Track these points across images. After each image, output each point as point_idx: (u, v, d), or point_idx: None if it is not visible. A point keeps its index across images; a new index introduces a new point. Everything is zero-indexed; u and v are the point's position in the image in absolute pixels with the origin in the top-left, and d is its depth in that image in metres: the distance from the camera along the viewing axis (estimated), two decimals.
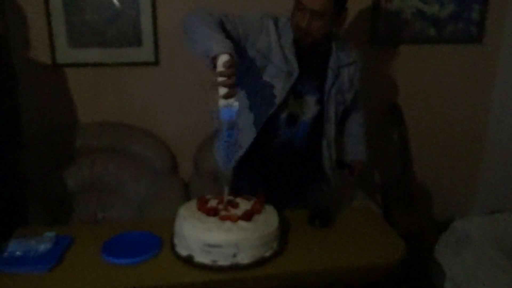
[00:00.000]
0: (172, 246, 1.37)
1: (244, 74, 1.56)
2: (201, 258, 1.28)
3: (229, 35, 1.44)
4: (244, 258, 1.28)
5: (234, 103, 1.28)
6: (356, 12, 2.47)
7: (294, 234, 1.46)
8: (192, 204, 1.41)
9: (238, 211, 1.36)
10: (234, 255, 1.27)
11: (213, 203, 1.40)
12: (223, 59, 1.28)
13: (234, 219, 1.31)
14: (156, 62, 2.33)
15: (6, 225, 1.52)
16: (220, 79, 1.27)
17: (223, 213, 1.35)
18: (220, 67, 1.28)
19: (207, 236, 1.27)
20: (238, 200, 1.43)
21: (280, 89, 1.58)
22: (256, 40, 1.56)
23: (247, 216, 1.33)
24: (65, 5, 2.19)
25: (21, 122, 1.62)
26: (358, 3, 2.45)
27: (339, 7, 1.53)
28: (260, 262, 1.29)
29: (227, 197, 1.40)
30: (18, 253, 1.30)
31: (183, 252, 1.32)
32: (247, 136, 1.64)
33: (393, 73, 2.63)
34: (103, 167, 2.28)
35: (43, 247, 1.32)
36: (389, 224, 2.45)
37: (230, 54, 1.29)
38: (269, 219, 1.36)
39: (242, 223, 1.31)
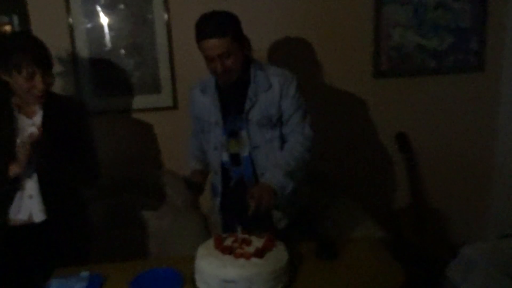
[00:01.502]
0: (193, 282, 1.51)
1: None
2: None
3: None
4: None
5: None
6: (359, 48, 2.62)
7: (303, 266, 1.58)
8: (210, 243, 1.55)
9: (251, 249, 1.49)
10: None
11: (228, 241, 1.54)
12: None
13: (247, 256, 1.45)
14: (174, 107, 2.53)
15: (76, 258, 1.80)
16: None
17: (237, 250, 1.48)
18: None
19: (223, 272, 1.41)
20: (252, 238, 1.56)
21: (216, 137, 1.83)
22: (192, 112, 1.95)
23: (259, 254, 1.46)
24: (91, 59, 2.42)
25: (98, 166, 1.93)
26: (359, 40, 2.61)
27: (238, 38, 1.69)
28: None
29: (240, 236, 1.55)
30: None
31: (202, 287, 1.46)
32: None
33: (398, 104, 2.73)
34: (128, 204, 2.45)
35: (79, 286, 1.48)
36: (401, 247, 2.55)
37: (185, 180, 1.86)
38: (279, 255, 1.49)
39: (254, 259, 1.44)
